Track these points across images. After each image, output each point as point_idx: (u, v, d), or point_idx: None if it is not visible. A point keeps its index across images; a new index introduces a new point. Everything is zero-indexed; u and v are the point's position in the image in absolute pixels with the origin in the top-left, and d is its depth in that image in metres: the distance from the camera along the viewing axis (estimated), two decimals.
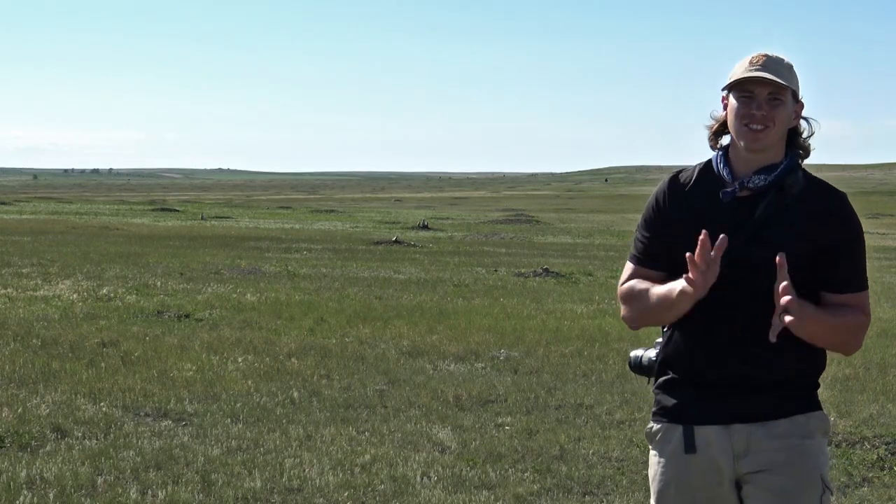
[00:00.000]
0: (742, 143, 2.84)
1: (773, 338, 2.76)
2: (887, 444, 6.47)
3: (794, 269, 2.75)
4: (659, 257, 2.93)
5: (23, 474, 5.52)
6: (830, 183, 2.94)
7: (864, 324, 2.86)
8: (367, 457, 6.05)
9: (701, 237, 2.69)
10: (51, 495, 5.24)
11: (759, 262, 2.77)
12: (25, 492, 5.28)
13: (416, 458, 6.04)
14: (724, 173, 2.89)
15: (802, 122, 2.93)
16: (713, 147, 2.98)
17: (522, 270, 18.63)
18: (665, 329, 2.99)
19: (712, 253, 2.68)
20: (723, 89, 2.90)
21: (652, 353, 3.03)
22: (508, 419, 7.08)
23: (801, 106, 2.91)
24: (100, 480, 5.50)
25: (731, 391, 2.87)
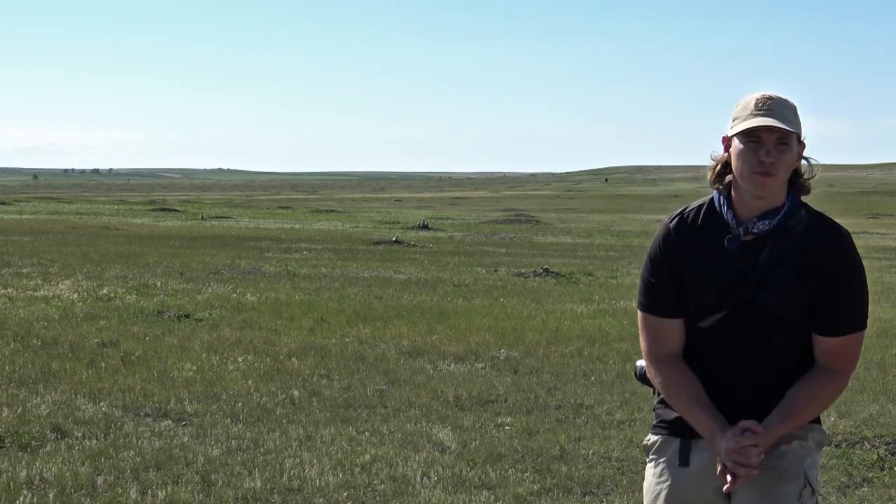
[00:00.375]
0: (750, 189, 2.83)
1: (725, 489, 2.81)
2: (887, 444, 6.47)
3: (797, 311, 2.80)
4: (668, 303, 2.93)
5: (23, 474, 5.52)
6: (834, 219, 2.94)
7: (843, 384, 2.90)
8: (367, 457, 6.05)
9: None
10: (51, 495, 5.24)
11: (764, 305, 2.81)
12: (25, 492, 5.28)
13: (416, 458, 6.04)
14: (729, 217, 2.88)
15: (803, 163, 2.91)
16: (716, 188, 2.96)
17: (522, 270, 18.63)
18: None
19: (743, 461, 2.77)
20: (731, 136, 2.86)
21: None
22: (508, 419, 7.08)
23: (803, 147, 2.89)
24: (100, 480, 5.50)
25: (727, 412, 2.88)
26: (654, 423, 3.03)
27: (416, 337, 10.42)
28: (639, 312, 3.01)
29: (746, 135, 2.80)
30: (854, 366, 2.91)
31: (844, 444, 6.45)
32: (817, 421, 2.97)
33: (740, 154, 2.81)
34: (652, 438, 3.02)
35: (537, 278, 17.44)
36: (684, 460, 2.91)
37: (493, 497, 5.44)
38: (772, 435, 2.80)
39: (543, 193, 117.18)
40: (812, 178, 2.93)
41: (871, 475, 5.94)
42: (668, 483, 2.93)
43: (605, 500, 5.49)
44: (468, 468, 5.87)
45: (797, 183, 2.90)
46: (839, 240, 2.86)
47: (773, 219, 2.84)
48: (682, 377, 2.92)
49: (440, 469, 5.85)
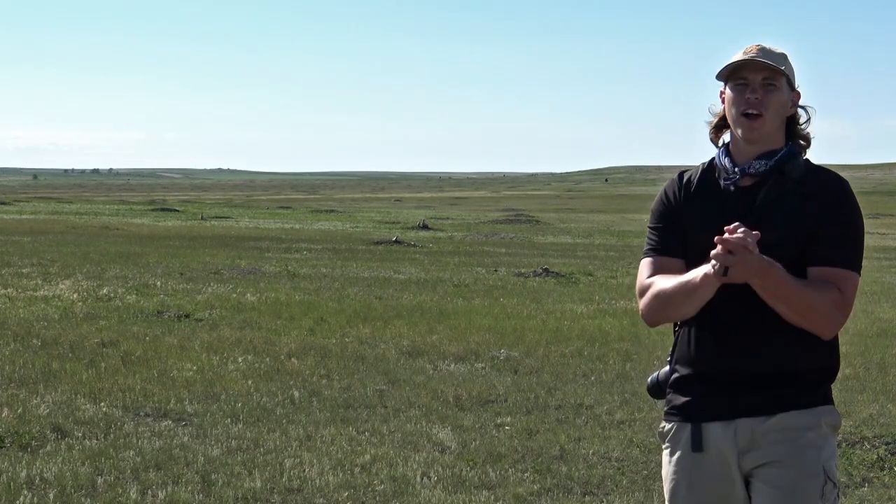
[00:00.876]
0: (739, 132, 2.88)
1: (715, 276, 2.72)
2: (887, 444, 6.46)
3: (795, 252, 2.80)
4: (674, 247, 2.95)
5: (23, 474, 5.51)
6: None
7: (836, 301, 2.78)
8: (367, 457, 6.04)
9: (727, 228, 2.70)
10: (51, 495, 5.24)
11: (762, 249, 2.75)
12: (25, 492, 5.28)
13: (416, 459, 6.04)
14: (727, 163, 2.92)
15: (800, 111, 2.95)
16: (714, 142, 3.01)
17: (522, 270, 18.63)
18: (676, 330, 3.01)
19: (735, 236, 2.67)
20: (717, 77, 2.92)
21: (667, 367, 3.04)
22: (508, 419, 7.08)
23: (798, 95, 2.94)
24: (100, 480, 5.50)
25: (733, 386, 2.87)
26: (665, 409, 3.01)
27: (416, 337, 10.42)
28: (643, 260, 3.01)
29: (734, 79, 2.87)
30: (847, 309, 2.83)
31: (844, 444, 6.45)
32: (829, 400, 2.91)
33: (729, 99, 2.89)
34: (665, 426, 3.00)
35: (537, 278, 17.44)
36: (697, 445, 2.89)
37: (493, 497, 5.43)
38: (759, 259, 2.69)
39: (543, 193, 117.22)
40: (808, 122, 2.95)
41: (871, 475, 5.94)
42: (684, 470, 2.93)
43: (605, 500, 5.49)
44: (468, 468, 5.87)
45: (794, 131, 2.94)
46: (836, 184, 2.88)
47: (769, 160, 2.87)
48: (664, 276, 2.91)
49: (440, 469, 5.84)
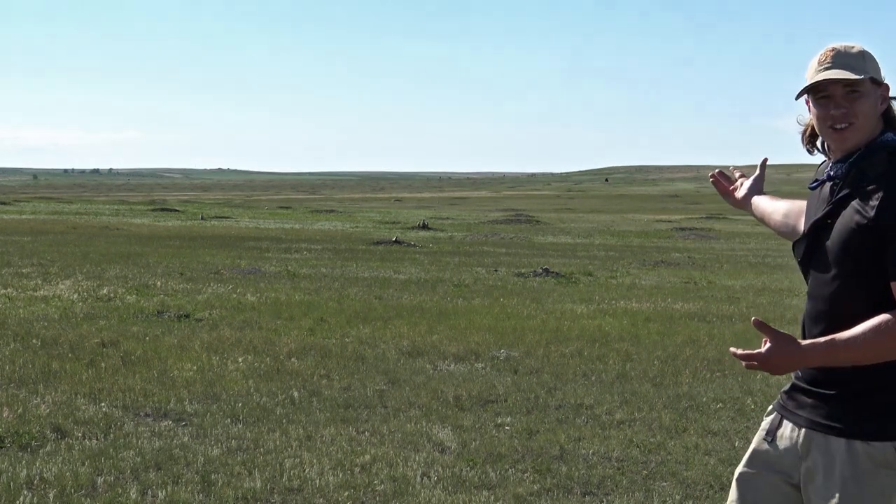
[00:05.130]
0: (832, 146, 2.82)
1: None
2: None
3: (851, 263, 2.67)
4: (793, 212, 3.15)
5: (23, 474, 5.51)
6: None
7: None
8: (367, 457, 6.04)
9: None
10: (51, 495, 5.24)
11: (825, 248, 2.74)
12: (25, 492, 5.27)
13: (416, 459, 6.03)
14: (823, 165, 2.91)
15: (894, 103, 2.82)
16: (810, 151, 2.95)
17: (522, 270, 18.62)
18: None
19: (740, 354, 2.73)
20: (797, 98, 2.83)
21: None
22: (508, 419, 7.07)
23: (887, 87, 2.80)
24: (100, 480, 5.49)
25: (805, 392, 2.81)
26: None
27: (416, 337, 10.41)
28: None
29: (815, 92, 2.79)
30: None
31: None
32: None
33: (815, 114, 2.83)
34: (770, 407, 3.00)
35: (537, 278, 17.43)
36: (770, 435, 2.89)
37: (493, 497, 5.43)
38: (784, 361, 2.70)
39: (543, 193, 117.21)
40: None
41: None
42: (751, 449, 2.94)
43: (605, 500, 5.48)
44: (468, 468, 5.86)
45: (892, 120, 2.80)
46: None
47: (845, 162, 2.78)
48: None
49: (440, 469, 5.84)
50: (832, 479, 2.71)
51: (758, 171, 3.44)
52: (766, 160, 3.41)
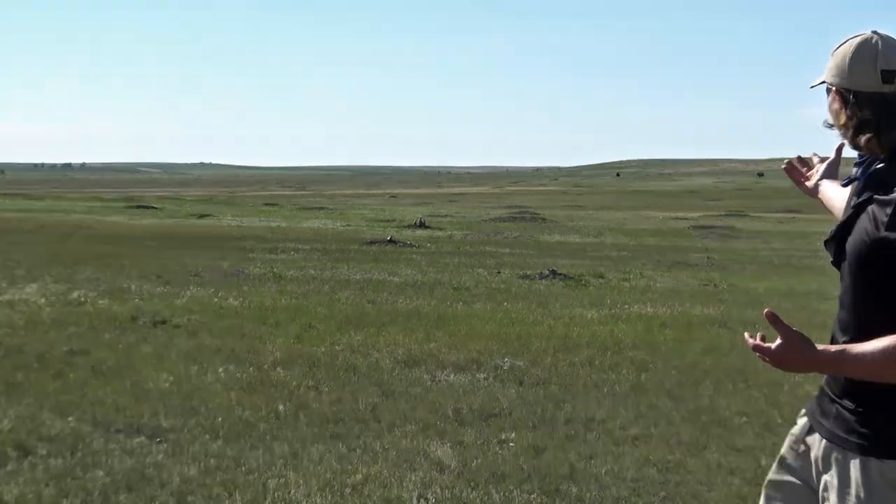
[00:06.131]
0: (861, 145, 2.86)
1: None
2: None
3: (867, 269, 2.67)
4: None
5: None
6: None
7: None
8: (359, 476, 6.01)
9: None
10: None
11: (843, 250, 2.78)
12: None
13: (412, 478, 6.00)
14: (857, 159, 2.93)
15: None
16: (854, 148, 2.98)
17: (528, 272, 18.66)
18: None
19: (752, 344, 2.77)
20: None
21: None
22: (513, 435, 7.05)
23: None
24: (65, 503, 5.44)
25: (830, 401, 2.84)
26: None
27: (413, 345, 10.41)
28: None
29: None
30: None
31: None
32: None
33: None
34: (801, 411, 3.06)
35: (544, 281, 17.45)
36: (799, 443, 2.96)
37: None
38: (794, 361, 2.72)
39: (550, 189, 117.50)
40: None
41: None
42: (780, 454, 3.01)
43: None
44: (469, 489, 5.83)
45: None
46: None
47: (860, 166, 2.85)
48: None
49: (438, 490, 5.80)
50: (846, 499, 2.74)
51: (833, 156, 3.39)
52: (842, 145, 3.32)
